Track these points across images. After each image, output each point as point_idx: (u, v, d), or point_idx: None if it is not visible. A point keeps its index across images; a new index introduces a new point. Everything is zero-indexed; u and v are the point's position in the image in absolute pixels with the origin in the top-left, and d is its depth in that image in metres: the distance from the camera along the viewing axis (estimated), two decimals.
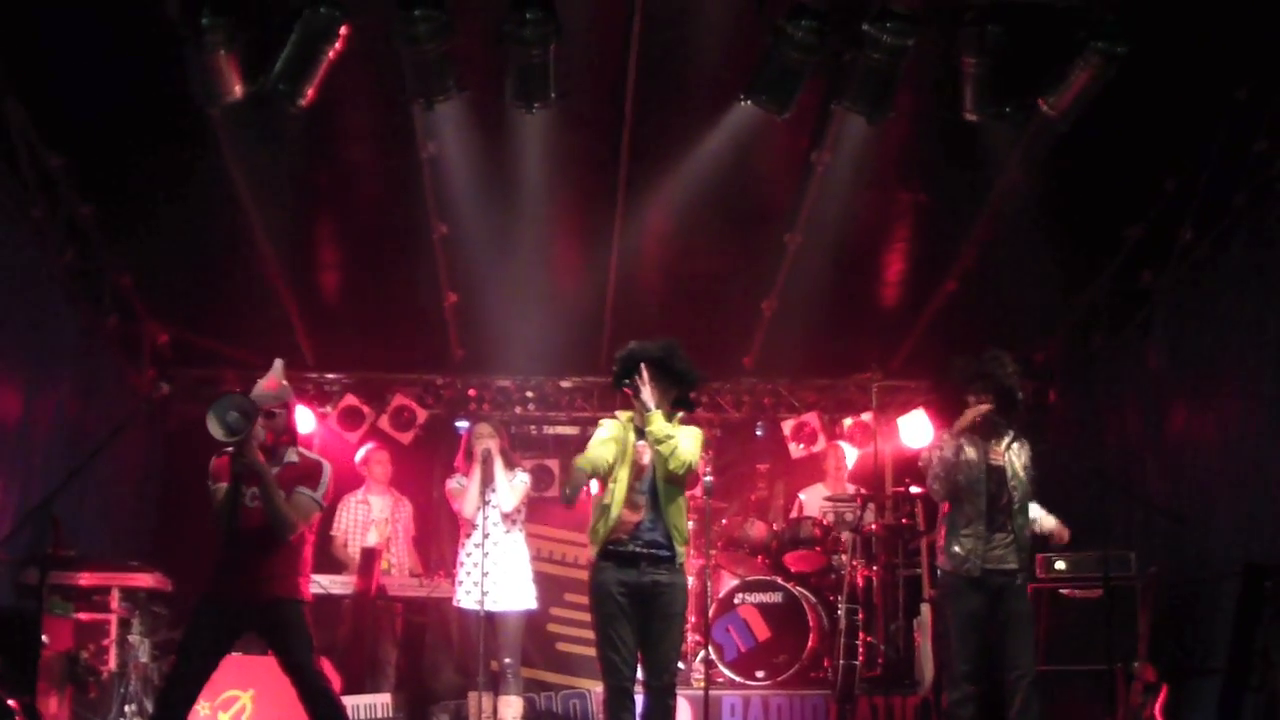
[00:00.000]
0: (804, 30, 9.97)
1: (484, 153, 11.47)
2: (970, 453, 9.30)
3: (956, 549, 9.20)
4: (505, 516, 10.73)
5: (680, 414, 8.68)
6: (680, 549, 8.53)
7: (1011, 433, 9.35)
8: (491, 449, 10.72)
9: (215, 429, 8.24)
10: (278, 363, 8.96)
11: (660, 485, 8.52)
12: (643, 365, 8.57)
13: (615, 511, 8.46)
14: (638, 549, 8.44)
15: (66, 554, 10.24)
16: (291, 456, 8.72)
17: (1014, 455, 9.34)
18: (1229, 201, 10.78)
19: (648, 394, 8.48)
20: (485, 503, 10.59)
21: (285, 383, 8.89)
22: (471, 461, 10.78)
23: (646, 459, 8.50)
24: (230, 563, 8.44)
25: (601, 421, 8.85)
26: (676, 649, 8.65)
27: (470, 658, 10.72)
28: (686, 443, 8.51)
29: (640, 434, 8.57)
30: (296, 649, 8.56)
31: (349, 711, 11.12)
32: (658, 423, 8.45)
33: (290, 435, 8.84)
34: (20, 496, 10.25)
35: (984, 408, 9.24)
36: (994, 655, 9.15)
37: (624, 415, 8.76)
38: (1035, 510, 9.48)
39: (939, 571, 9.55)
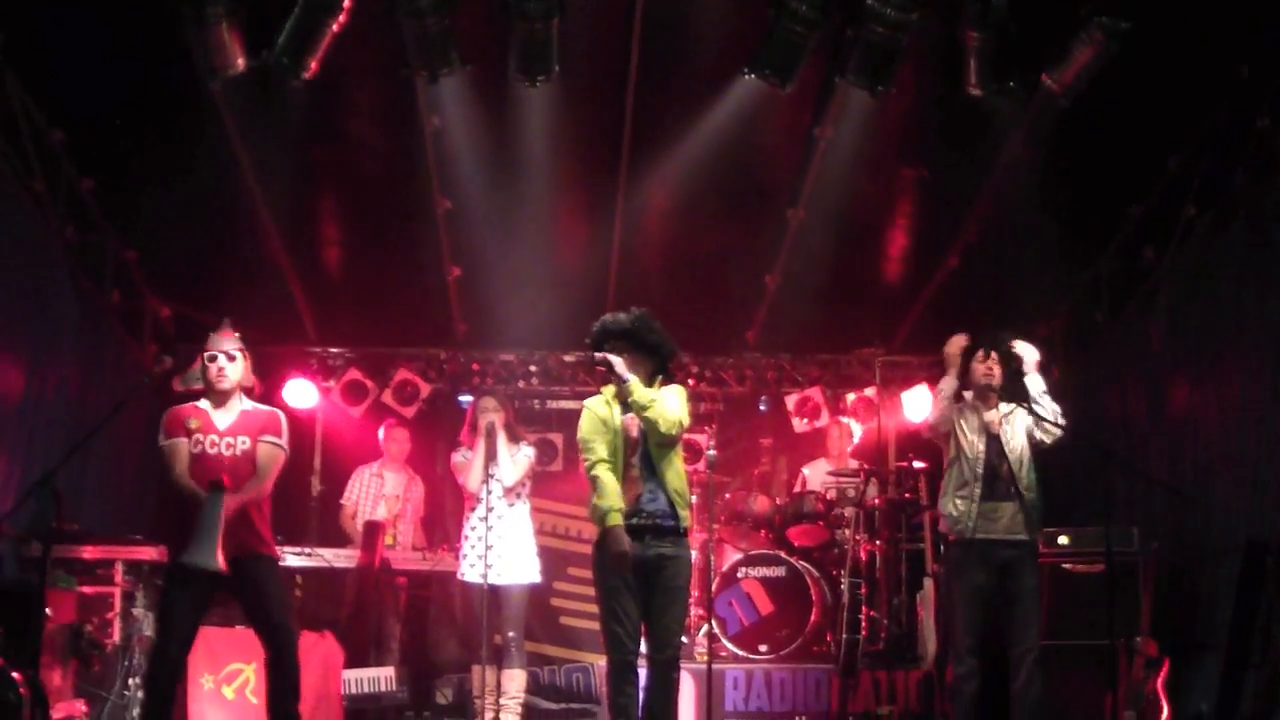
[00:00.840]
0: (806, 4, 9.99)
1: (487, 127, 11.50)
2: (968, 421, 9.33)
3: (951, 510, 9.25)
4: (508, 490, 10.72)
5: (660, 377, 8.64)
6: (684, 514, 8.50)
7: (1013, 405, 9.33)
8: (495, 422, 10.71)
9: None
10: (226, 321, 8.92)
11: (654, 451, 8.46)
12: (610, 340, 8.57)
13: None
14: (641, 522, 8.39)
15: (70, 528, 10.27)
16: (245, 404, 8.73)
17: (1013, 424, 9.33)
18: (1231, 179, 10.76)
19: (621, 366, 8.44)
20: (490, 476, 10.59)
21: (237, 334, 8.85)
22: (476, 435, 10.78)
23: (635, 431, 8.48)
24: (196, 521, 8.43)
25: (585, 406, 8.71)
26: (680, 622, 8.65)
27: (474, 631, 10.72)
28: (672, 402, 8.46)
29: (625, 406, 8.56)
30: (273, 605, 8.55)
31: (353, 685, 11.22)
32: (638, 390, 8.39)
33: (246, 386, 8.83)
34: (23, 471, 10.25)
35: (962, 341, 9.34)
36: (999, 629, 9.15)
37: (607, 391, 8.67)
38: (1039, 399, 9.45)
39: (942, 543, 9.57)
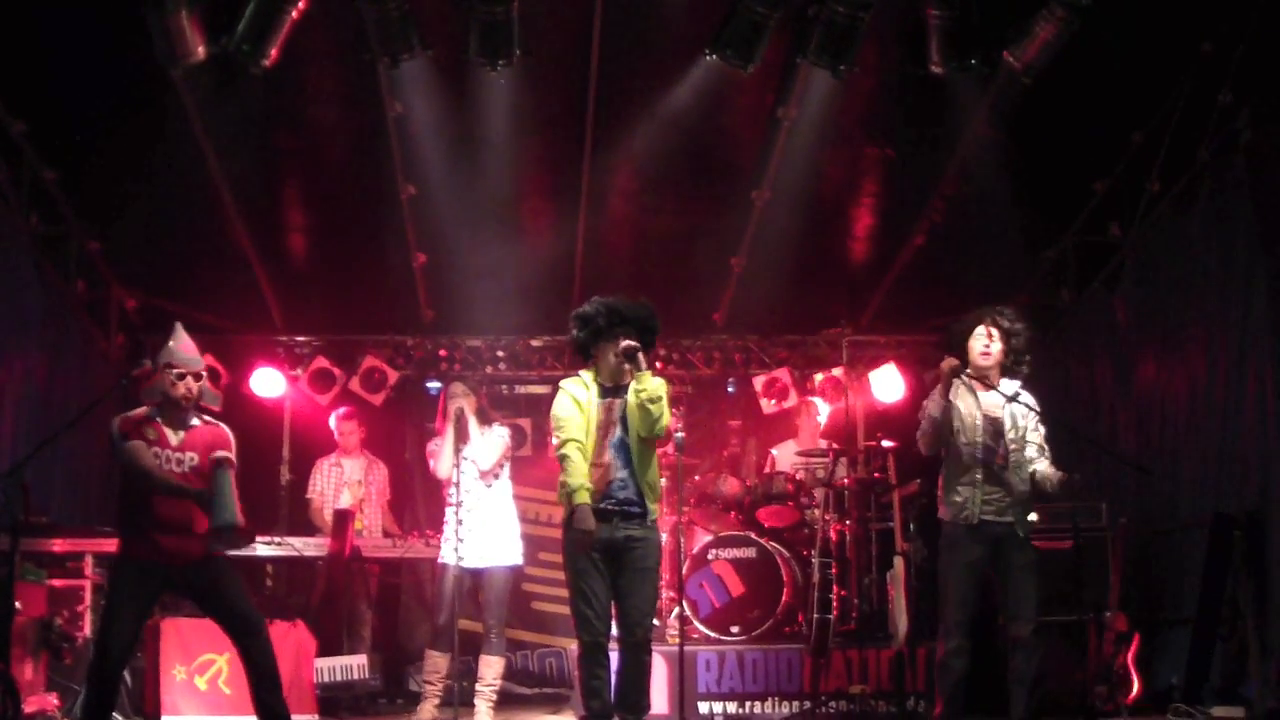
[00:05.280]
0: None
1: (451, 112, 11.47)
2: (965, 402, 8.99)
3: (955, 498, 8.92)
4: (483, 474, 10.67)
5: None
6: (653, 506, 8.55)
7: (1017, 388, 9.01)
8: (465, 408, 10.65)
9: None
10: (179, 325, 8.82)
11: (635, 444, 8.51)
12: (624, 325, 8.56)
13: (589, 473, 8.47)
14: (610, 506, 8.44)
15: (39, 521, 10.22)
16: (195, 420, 8.58)
17: (1016, 409, 8.96)
18: (1195, 154, 10.81)
19: (642, 357, 8.47)
20: (463, 460, 10.53)
21: (195, 346, 8.74)
22: (447, 422, 10.72)
23: (616, 416, 8.53)
24: (153, 522, 8.32)
25: (560, 387, 8.71)
26: (650, 604, 8.66)
27: (451, 616, 10.66)
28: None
29: (605, 391, 8.58)
30: (238, 598, 8.48)
31: (325, 673, 11.20)
32: (651, 381, 8.44)
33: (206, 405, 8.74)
34: None
35: (954, 362, 9.01)
36: (994, 606, 9.03)
37: (586, 374, 8.68)
38: (1047, 469, 9.15)
39: (920, 522, 9.42)
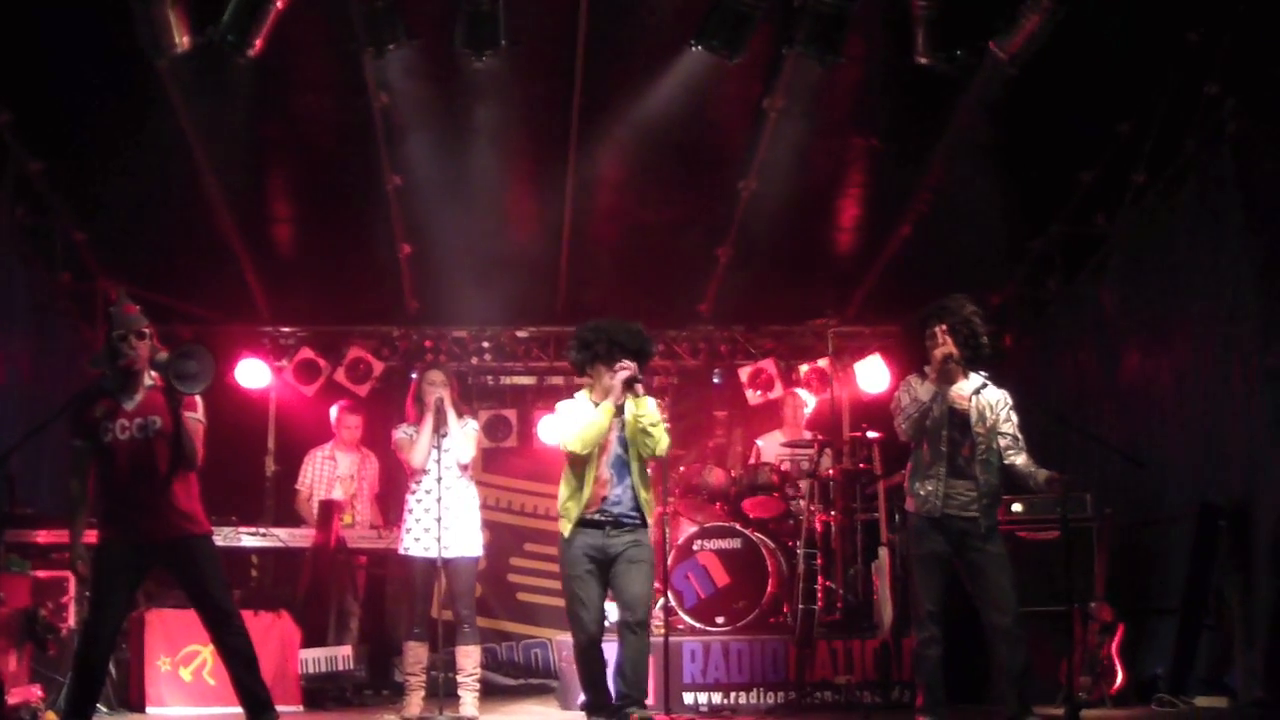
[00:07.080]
0: None
1: (436, 102, 11.46)
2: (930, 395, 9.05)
3: (919, 490, 8.98)
4: (463, 466, 10.62)
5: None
6: (649, 518, 8.89)
7: (982, 380, 9.01)
8: (445, 398, 10.58)
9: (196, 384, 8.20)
10: (122, 291, 8.76)
11: (634, 462, 8.82)
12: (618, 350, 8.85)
13: (588, 490, 8.76)
14: (604, 518, 8.76)
15: (23, 512, 10.20)
16: (149, 381, 8.42)
17: (983, 403, 8.95)
18: (1181, 145, 10.82)
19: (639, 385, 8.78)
20: (442, 450, 10.45)
21: (138, 307, 8.66)
22: (422, 409, 10.62)
23: (613, 434, 8.81)
24: (128, 502, 8.26)
25: (559, 408, 9.07)
26: (645, 588, 8.84)
27: (416, 606, 10.63)
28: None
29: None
30: (210, 583, 8.37)
31: (310, 664, 11.19)
32: (650, 406, 8.79)
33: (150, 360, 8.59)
34: None
35: (949, 350, 8.96)
36: (971, 600, 9.00)
37: (583, 395, 9.00)
38: (1028, 464, 9.16)
39: (904, 513, 9.40)
